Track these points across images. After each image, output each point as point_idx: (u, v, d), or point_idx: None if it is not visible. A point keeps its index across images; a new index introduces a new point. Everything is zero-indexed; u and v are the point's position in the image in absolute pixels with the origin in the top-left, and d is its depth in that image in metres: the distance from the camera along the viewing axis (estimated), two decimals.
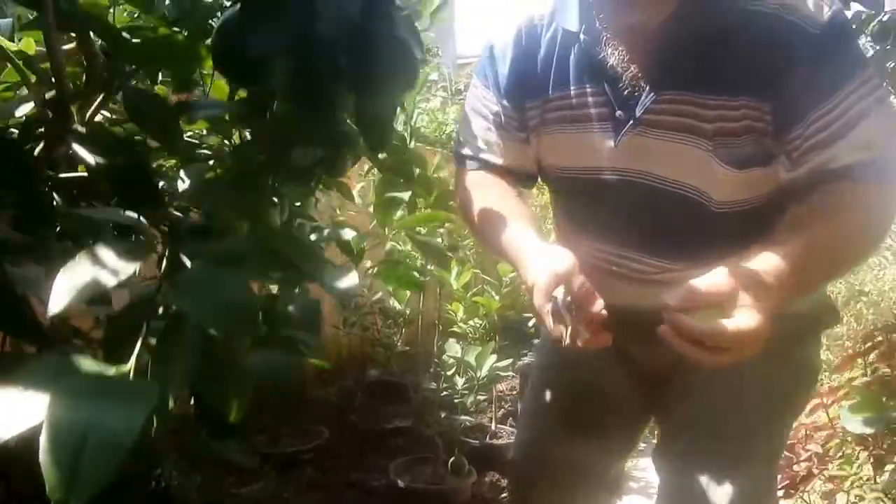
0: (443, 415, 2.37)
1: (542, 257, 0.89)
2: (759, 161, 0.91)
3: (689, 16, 0.88)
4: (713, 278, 0.79)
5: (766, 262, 0.80)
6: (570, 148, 1.01)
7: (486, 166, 1.09)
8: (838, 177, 0.87)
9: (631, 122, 0.94)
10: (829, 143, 0.87)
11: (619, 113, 0.95)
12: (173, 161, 0.80)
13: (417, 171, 1.07)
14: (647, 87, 0.93)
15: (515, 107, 1.05)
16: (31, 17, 0.70)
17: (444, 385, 2.38)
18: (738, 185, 0.93)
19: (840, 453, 1.91)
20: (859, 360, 1.89)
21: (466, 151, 1.11)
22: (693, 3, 0.88)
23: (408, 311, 2.65)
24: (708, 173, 0.92)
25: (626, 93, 0.94)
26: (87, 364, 0.46)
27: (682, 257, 0.98)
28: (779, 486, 1.32)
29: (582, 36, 0.96)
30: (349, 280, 0.61)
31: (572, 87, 0.99)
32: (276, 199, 0.72)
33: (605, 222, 1.04)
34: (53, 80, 0.58)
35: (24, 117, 0.64)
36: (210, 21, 0.70)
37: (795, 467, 2.04)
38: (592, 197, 1.03)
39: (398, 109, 1.05)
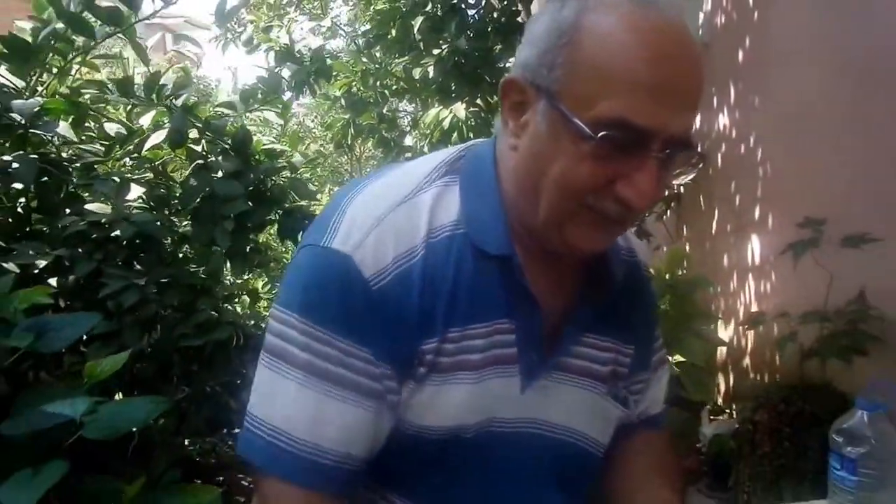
0: None
1: None
2: (625, 403, 0.93)
3: (604, 257, 0.85)
4: None
5: None
6: (463, 399, 0.77)
7: (324, 485, 0.74)
8: (655, 425, 1.00)
9: (545, 365, 0.82)
10: (652, 388, 0.99)
11: (530, 354, 0.81)
12: None
13: None
14: (566, 327, 0.84)
15: (403, 356, 0.76)
16: None
17: None
18: (611, 427, 0.93)
19: None
20: None
21: (288, 457, 0.73)
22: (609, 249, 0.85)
23: None
24: (600, 417, 0.90)
25: (539, 332, 0.81)
26: None
27: None
28: None
29: (517, 261, 0.78)
30: None
31: (478, 324, 0.78)
32: None
33: (477, 490, 0.83)
34: None
35: None
36: None
37: None
38: (460, 460, 0.80)
39: None
